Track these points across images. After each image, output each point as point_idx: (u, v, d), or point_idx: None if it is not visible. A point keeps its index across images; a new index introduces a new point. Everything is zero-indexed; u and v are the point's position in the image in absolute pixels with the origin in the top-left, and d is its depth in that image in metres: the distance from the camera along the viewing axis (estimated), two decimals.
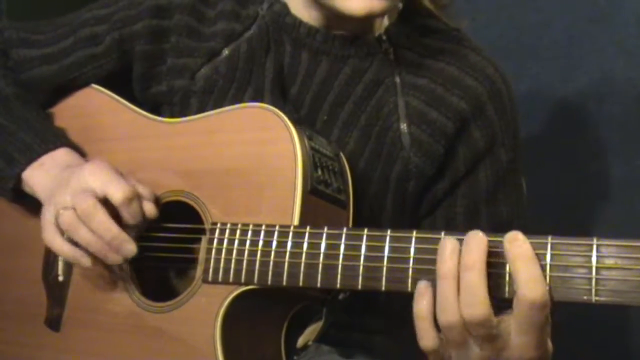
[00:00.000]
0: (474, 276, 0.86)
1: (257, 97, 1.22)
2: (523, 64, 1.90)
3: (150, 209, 1.11)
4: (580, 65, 1.87)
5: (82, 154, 1.23)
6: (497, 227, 1.19)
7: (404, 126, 1.20)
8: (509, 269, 0.86)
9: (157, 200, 1.14)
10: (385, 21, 1.26)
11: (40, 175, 1.18)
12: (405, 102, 1.21)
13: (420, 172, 1.20)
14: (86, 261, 1.10)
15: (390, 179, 1.20)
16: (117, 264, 1.11)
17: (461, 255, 0.87)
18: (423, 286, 0.89)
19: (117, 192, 1.08)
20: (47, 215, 1.12)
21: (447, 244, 0.88)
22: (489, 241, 0.87)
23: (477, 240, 0.87)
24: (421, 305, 0.89)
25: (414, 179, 1.20)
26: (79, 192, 1.09)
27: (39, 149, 1.20)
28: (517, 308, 0.85)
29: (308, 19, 1.23)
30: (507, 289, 0.87)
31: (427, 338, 0.90)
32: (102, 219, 1.07)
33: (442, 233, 0.91)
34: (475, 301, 0.85)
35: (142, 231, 1.13)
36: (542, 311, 0.85)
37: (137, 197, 1.10)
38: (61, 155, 1.20)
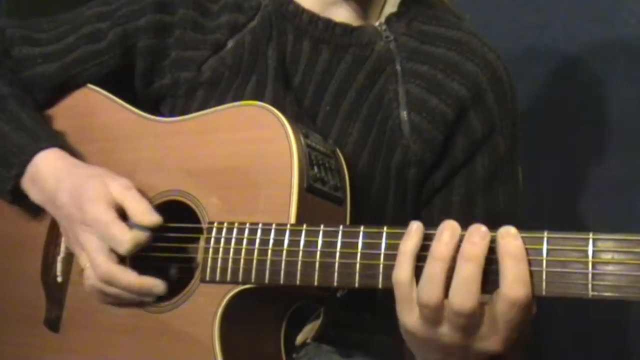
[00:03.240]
0: (472, 269, 0.85)
1: (260, 87, 1.22)
2: (523, 63, 1.89)
3: (154, 221, 1.11)
4: (580, 65, 1.86)
5: (77, 154, 1.23)
6: (492, 216, 1.19)
7: (404, 114, 1.20)
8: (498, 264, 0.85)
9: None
10: (386, 10, 1.26)
11: (35, 192, 1.20)
12: (405, 90, 1.21)
13: (420, 159, 1.19)
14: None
15: (391, 167, 1.20)
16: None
17: (462, 247, 0.86)
18: (415, 226, 0.90)
19: (120, 248, 1.09)
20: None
21: (447, 226, 0.88)
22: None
23: (481, 234, 0.86)
24: (408, 243, 0.89)
25: (414, 167, 1.20)
26: (90, 252, 1.10)
27: (30, 149, 1.20)
28: (498, 304, 0.85)
29: (310, 6, 1.24)
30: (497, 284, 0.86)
31: (403, 268, 0.89)
32: (121, 279, 1.09)
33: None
34: (469, 295, 0.85)
35: None
36: (521, 312, 0.85)
37: (140, 240, 1.10)
38: (51, 159, 1.20)
